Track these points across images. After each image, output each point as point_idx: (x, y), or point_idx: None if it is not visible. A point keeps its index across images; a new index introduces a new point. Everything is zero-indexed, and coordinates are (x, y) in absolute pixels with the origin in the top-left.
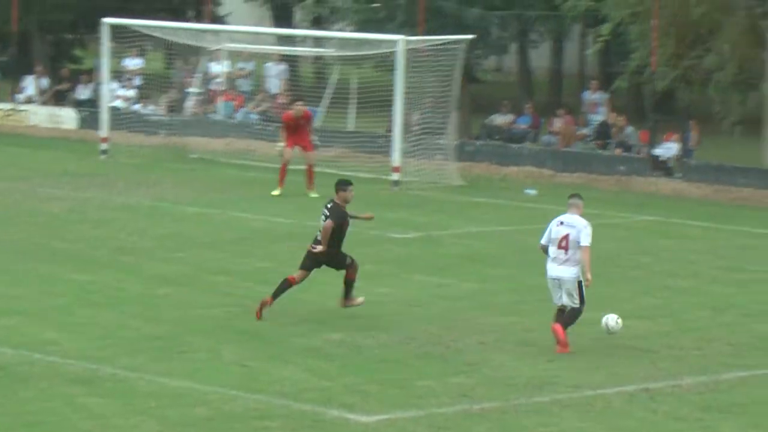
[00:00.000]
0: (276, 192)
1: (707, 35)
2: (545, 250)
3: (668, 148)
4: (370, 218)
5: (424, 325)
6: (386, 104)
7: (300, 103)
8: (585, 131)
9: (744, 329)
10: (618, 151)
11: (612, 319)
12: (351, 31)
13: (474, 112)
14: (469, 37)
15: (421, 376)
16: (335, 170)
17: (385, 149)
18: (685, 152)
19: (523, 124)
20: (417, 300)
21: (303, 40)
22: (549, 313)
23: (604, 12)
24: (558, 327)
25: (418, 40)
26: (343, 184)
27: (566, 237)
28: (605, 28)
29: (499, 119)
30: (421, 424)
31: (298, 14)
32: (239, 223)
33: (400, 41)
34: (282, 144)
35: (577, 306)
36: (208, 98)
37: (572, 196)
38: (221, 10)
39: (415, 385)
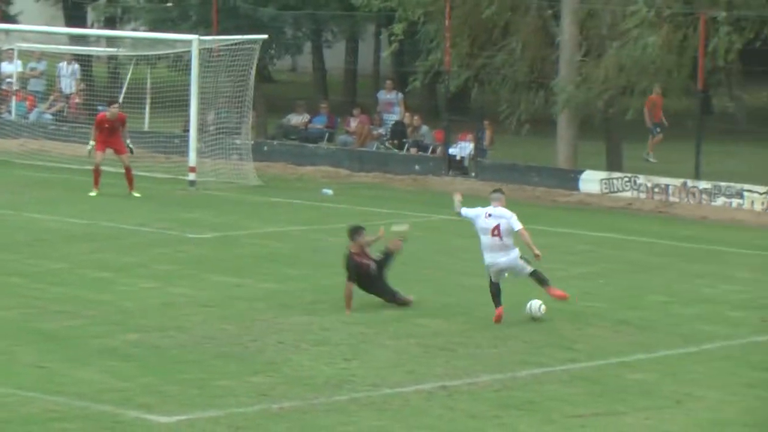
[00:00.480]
0: (92, 193)
1: (499, 35)
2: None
3: (463, 148)
4: (381, 236)
5: (223, 326)
6: (182, 104)
7: (116, 105)
8: (381, 131)
9: (539, 327)
10: (413, 151)
11: (536, 306)
12: (144, 30)
13: (270, 112)
14: (263, 36)
15: (220, 376)
16: (134, 171)
17: (182, 149)
18: (480, 152)
19: (318, 124)
20: (214, 300)
21: (96, 40)
22: (344, 313)
23: (398, 12)
24: (551, 290)
25: (212, 40)
26: (353, 232)
27: (497, 227)
28: (398, 28)
29: (295, 119)
30: (220, 424)
31: (90, 14)
32: (34, 224)
33: (194, 41)
34: (92, 143)
35: (532, 268)
36: (0, 98)
37: (495, 191)
38: (12, 10)
39: (214, 385)
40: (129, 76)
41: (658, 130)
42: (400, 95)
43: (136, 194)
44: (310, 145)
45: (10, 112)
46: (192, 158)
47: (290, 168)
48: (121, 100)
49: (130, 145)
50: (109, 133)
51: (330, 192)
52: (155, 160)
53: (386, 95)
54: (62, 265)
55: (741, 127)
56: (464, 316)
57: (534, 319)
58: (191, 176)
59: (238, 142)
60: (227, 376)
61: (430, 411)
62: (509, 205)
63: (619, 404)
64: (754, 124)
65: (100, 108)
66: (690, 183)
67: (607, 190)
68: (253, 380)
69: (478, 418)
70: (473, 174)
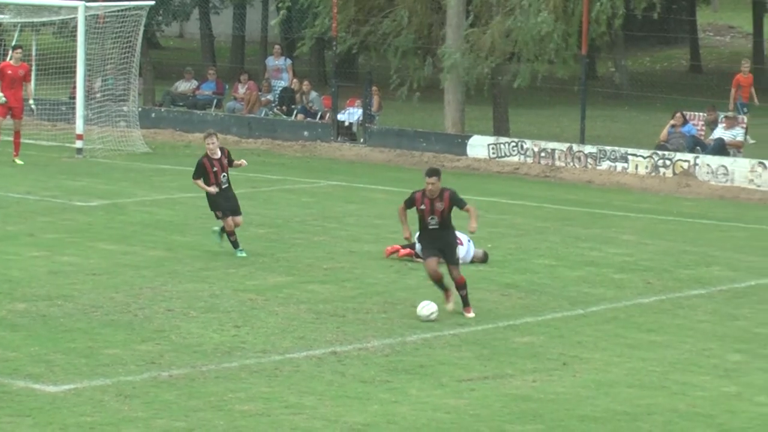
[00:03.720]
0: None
1: (386, 2)
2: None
3: (351, 114)
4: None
5: (110, 294)
6: (68, 71)
7: (19, 51)
8: (269, 97)
9: (428, 292)
10: (302, 117)
11: (427, 310)
12: None
13: (157, 79)
14: (150, 2)
15: (108, 345)
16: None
17: (68, 116)
18: (368, 117)
19: (207, 91)
20: (102, 268)
21: None
22: (234, 280)
23: None
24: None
25: (98, 6)
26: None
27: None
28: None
29: (183, 86)
30: (109, 393)
31: None
32: None
33: (80, 6)
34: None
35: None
36: None
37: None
38: None
39: (103, 353)
40: (14, 42)
41: (746, 110)
42: (289, 61)
43: (20, 161)
44: (199, 112)
45: None
46: (79, 125)
47: (178, 135)
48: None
49: (33, 105)
50: (11, 83)
51: None
52: (41, 127)
53: (275, 61)
54: None
55: (624, 92)
56: (354, 282)
57: (422, 320)
58: (78, 144)
59: (125, 109)
60: (115, 344)
61: (320, 376)
62: (399, 172)
63: (508, 367)
64: (636, 89)
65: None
66: (575, 147)
67: (494, 155)
68: (141, 348)
69: (369, 383)
70: (362, 140)
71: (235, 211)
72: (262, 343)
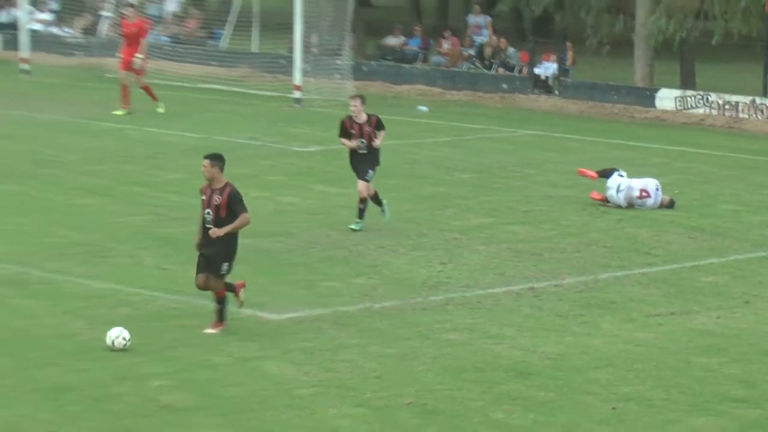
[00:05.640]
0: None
1: None
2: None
3: (547, 68)
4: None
5: (327, 231)
6: (287, 27)
7: (131, 9)
8: (470, 52)
9: (618, 233)
10: (501, 71)
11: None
12: None
13: (368, 35)
14: None
15: (326, 278)
16: (242, 89)
17: (287, 69)
18: (563, 71)
19: (414, 46)
20: (319, 208)
21: None
22: (440, 220)
23: None
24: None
25: None
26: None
27: None
28: None
29: (392, 41)
30: (326, 321)
31: None
32: (153, 137)
33: None
34: (140, 56)
35: None
36: (119, 22)
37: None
38: None
39: (321, 285)
40: (237, 3)
41: None
42: (489, 18)
43: (119, 112)
44: (406, 66)
45: None
46: (297, 77)
47: (387, 86)
48: (232, 24)
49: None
50: (127, 39)
51: (425, 109)
52: (263, 79)
53: (475, 18)
54: (179, 176)
55: None
56: (550, 223)
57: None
58: (297, 94)
59: (339, 62)
60: (332, 277)
61: (519, 310)
62: (592, 123)
63: (694, 304)
64: None
65: (214, 31)
66: (758, 100)
67: (681, 107)
68: (356, 281)
69: (564, 317)
70: (557, 92)
71: (361, 176)
72: (466, 279)
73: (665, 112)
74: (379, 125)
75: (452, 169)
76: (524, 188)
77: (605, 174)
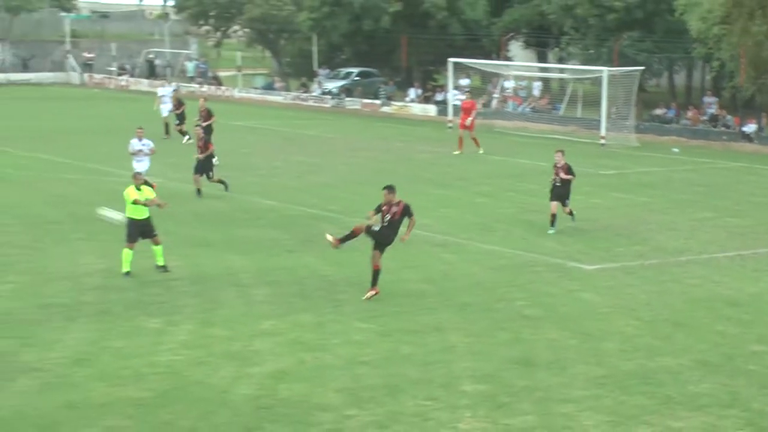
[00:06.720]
0: (457, 152)
1: None
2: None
3: (750, 127)
4: None
5: (622, 221)
6: (597, 102)
7: (468, 93)
8: (705, 118)
9: None
10: (723, 129)
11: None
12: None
13: (644, 107)
14: (640, 68)
15: (616, 245)
16: (570, 138)
17: (597, 126)
18: (760, 129)
19: (671, 114)
20: (618, 206)
21: (544, 70)
22: (684, 215)
23: (716, 55)
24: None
25: (614, 71)
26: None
27: None
28: (717, 65)
29: (658, 111)
30: (617, 271)
31: (550, 54)
32: (514, 164)
33: (604, 72)
34: (471, 118)
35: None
36: (503, 99)
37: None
38: (508, 54)
39: (613, 250)
40: (570, 89)
41: None
42: (716, 98)
43: (456, 152)
44: (666, 125)
45: (509, 107)
46: (602, 130)
47: (655, 137)
48: (566, 100)
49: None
50: (461, 112)
51: (677, 150)
52: (583, 133)
53: (708, 99)
54: (534, 186)
55: None
56: (751, 218)
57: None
58: (602, 141)
59: (626, 123)
60: (619, 245)
61: (730, 267)
62: (752, 158)
63: None
64: None
65: (556, 105)
66: None
67: None
68: (634, 248)
69: (759, 271)
70: (755, 141)
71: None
72: (699, 248)
73: None
74: (569, 171)
75: (691, 184)
76: (735, 196)
77: None
